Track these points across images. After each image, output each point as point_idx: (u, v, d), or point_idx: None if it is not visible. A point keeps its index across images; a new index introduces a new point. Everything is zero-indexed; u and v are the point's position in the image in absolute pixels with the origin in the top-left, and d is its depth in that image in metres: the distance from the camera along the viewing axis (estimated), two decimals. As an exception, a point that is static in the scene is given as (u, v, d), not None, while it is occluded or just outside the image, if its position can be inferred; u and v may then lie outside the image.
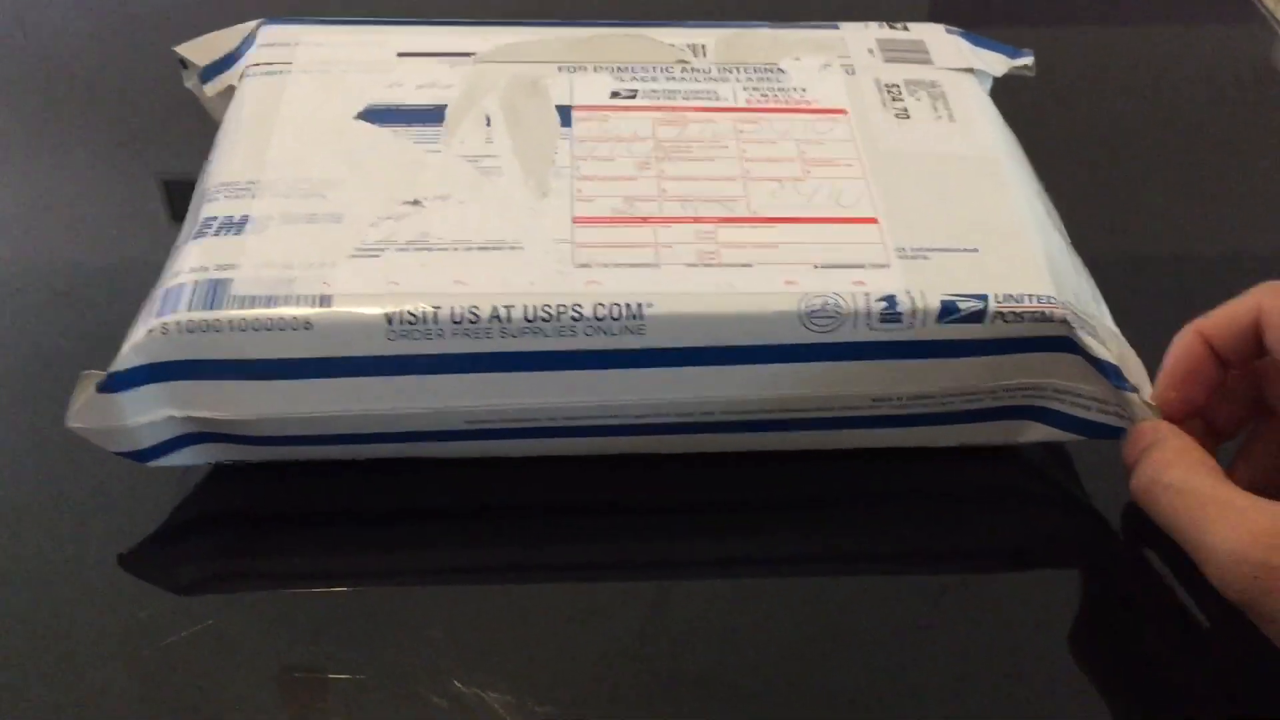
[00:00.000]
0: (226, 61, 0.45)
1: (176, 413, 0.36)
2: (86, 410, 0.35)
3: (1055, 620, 0.37)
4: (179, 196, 0.51)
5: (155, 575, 0.37)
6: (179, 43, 0.46)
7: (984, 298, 0.36)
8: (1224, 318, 0.35)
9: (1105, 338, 0.36)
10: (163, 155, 0.53)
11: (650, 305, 0.35)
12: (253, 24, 0.46)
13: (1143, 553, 0.39)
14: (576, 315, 0.35)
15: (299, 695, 0.34)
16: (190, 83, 0.46)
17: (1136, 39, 0.66)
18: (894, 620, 0.37)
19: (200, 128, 0.47)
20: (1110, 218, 0.52)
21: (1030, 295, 0.36)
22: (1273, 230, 0.52)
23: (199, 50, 0.46)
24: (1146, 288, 0.48)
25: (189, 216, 0.39)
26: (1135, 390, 0.36)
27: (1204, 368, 0.35)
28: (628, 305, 0.35)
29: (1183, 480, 0.32)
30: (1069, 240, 0.41)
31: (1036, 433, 0.39)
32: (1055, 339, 0.36)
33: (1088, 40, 0.65)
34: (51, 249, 0.49)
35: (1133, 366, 0.36)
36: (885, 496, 0.40)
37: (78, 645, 0.35)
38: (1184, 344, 0.35)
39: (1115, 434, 0.38)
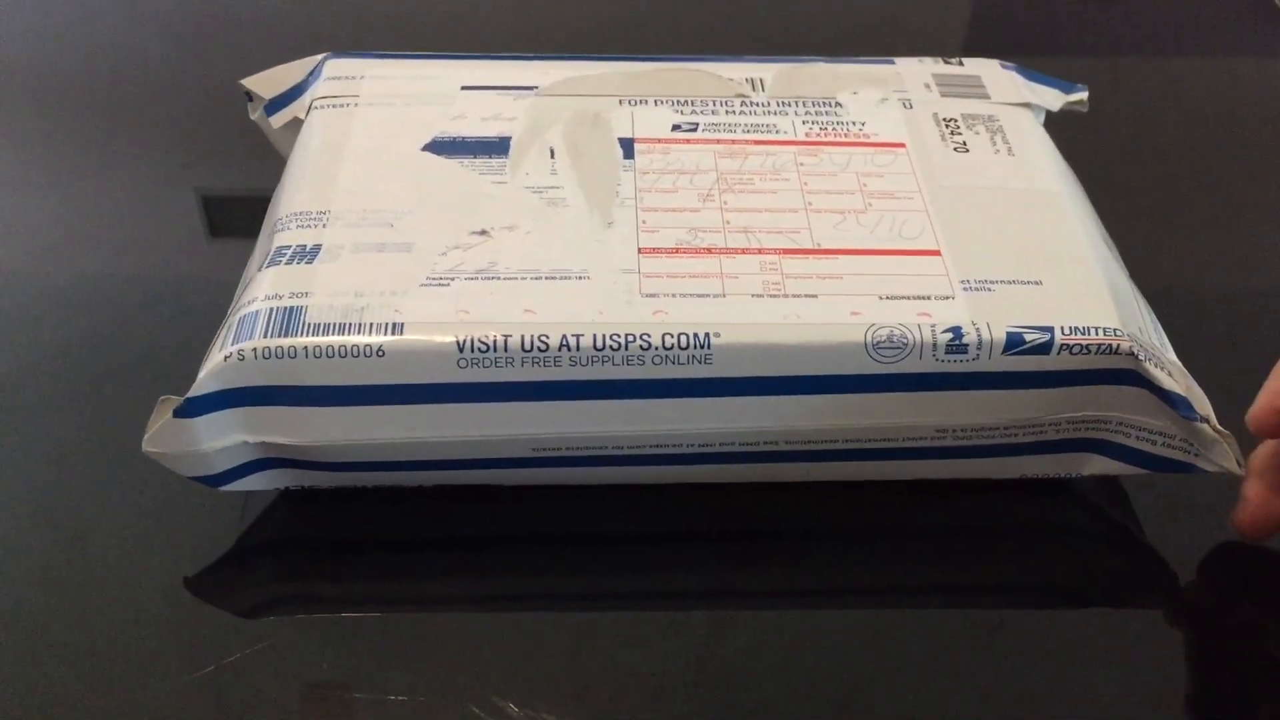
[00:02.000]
0: (292, 94, 0.46)
1: (250, 438, 0.36)
2: (163, 435, 0.35)
3: (1108, 659, 0.36)
4: (243, 218, 0.52)
5: (218, 597, 0.37)
6: (244, 70, 0.47)
7: (1049, 329, 0.36)
8: None
9: (1171, 369, 0.37)
10: (226, 177, 0.54)
11: (718, 335, 0.36)
12: (318, 58, 0.47)
13: (1199, 592, 0.38)
14: (645, 344, 0.35)
15: (354, 713, 0.35)
16: (255, 115, 0.47)
17: (1176, 70, 0.66)
18: (946, 654, 0.36)
19: (263, 152, 0.48)
20: (1158, 250, 0.52)
21: (1096, 328, 0.36)
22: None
23: (265, 83, 0.47)
24: (1198, 321, 0.48)
25: (259, 245, 0.40)
26: (1205, 421, 0.36)
27: None
28: (695, 335, 0.35)
29: None
30: (1128, 273, 0.42)
31: (1098, 465, 0.39)
32: (1121, 371, 0.36)
33: (1126, 71, 0.66)
34: (115, 268, 0.50)
35: (1199, 398, 0.36)
36: (941, 529, 0.40)
37: (140, 660, 0.35)
38: None
39: (1179, 468, 0.38)
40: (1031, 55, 0.64)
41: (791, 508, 0.40)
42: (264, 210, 0.42)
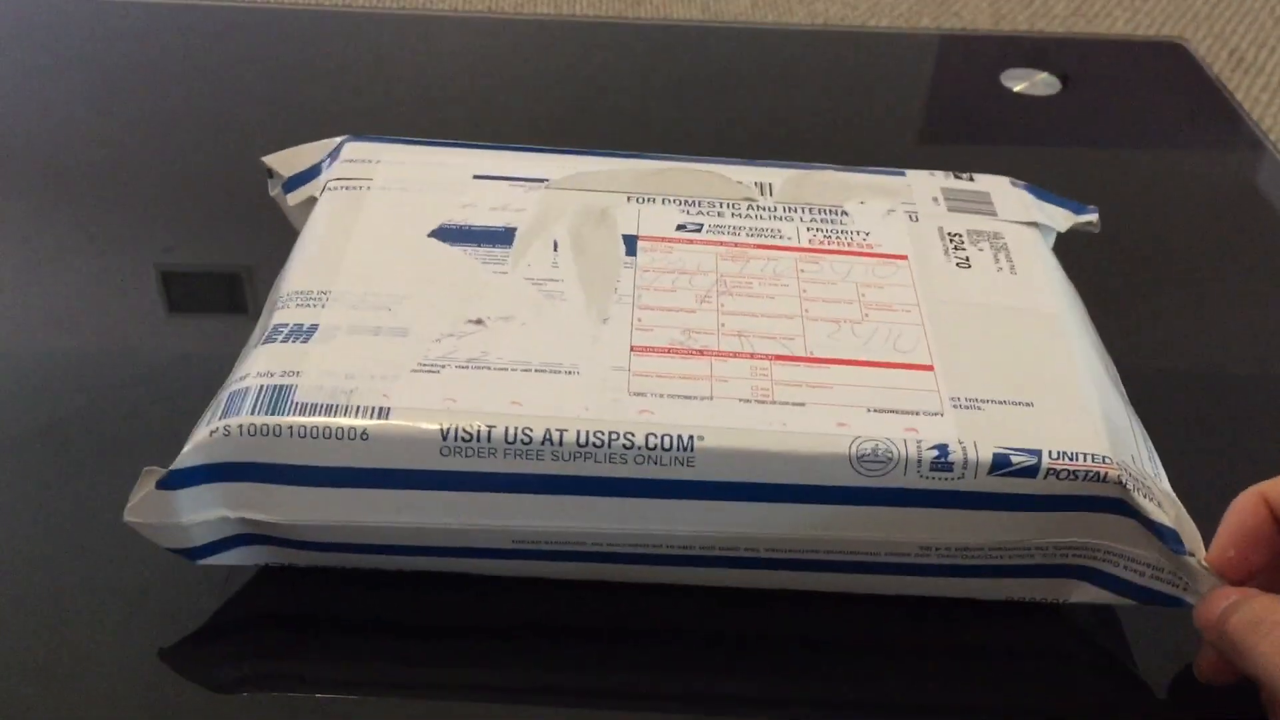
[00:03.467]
0: (310, 174, 0.47)
1: (230, 513, 0.36)
2: (144, 506, 0.35)
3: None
4: (232, 298, 0.52)
5: (193, 671, 0.37)
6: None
7: (1037, 453, 0.36)
8: None
9: (1161, 500, 0.36)
10: (209, 260, 0.55)
11: (701, 438, 0.35)
12: (337, 140, 0.48)
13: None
14: (628, 443, 0.35)
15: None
16: (274, 191, 0.48)
17: (1135, 162, 0.67)
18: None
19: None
20: (1122, 336, 0.51)
21: (1085, 454, 0.36)
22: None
23: (285, 161, 0.48)
24: (1165, 406, 0.48)
25: (260, 321, 0.41)
26: (1192, 555, 0.35)
27: (1265, 531, 0.35)
28: (679, 437, 0.35)
29: None
30: (1126, 398, 0.41)
31: (1086, 593, 0.39)
32: (1109, 500, 0.36)
33: (1087, 163, 0.67)
34: (101, 346, 0.50)
35: (1188, 531, 0.36)
36: (926, 647, 0.39)
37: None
38: (1245, 505, 0.35)
39: (1168, 602, 0.37)
40: (985, 144, 0.67)
41: (774, 616, 0.40)
42: (246, 292, 0.42)
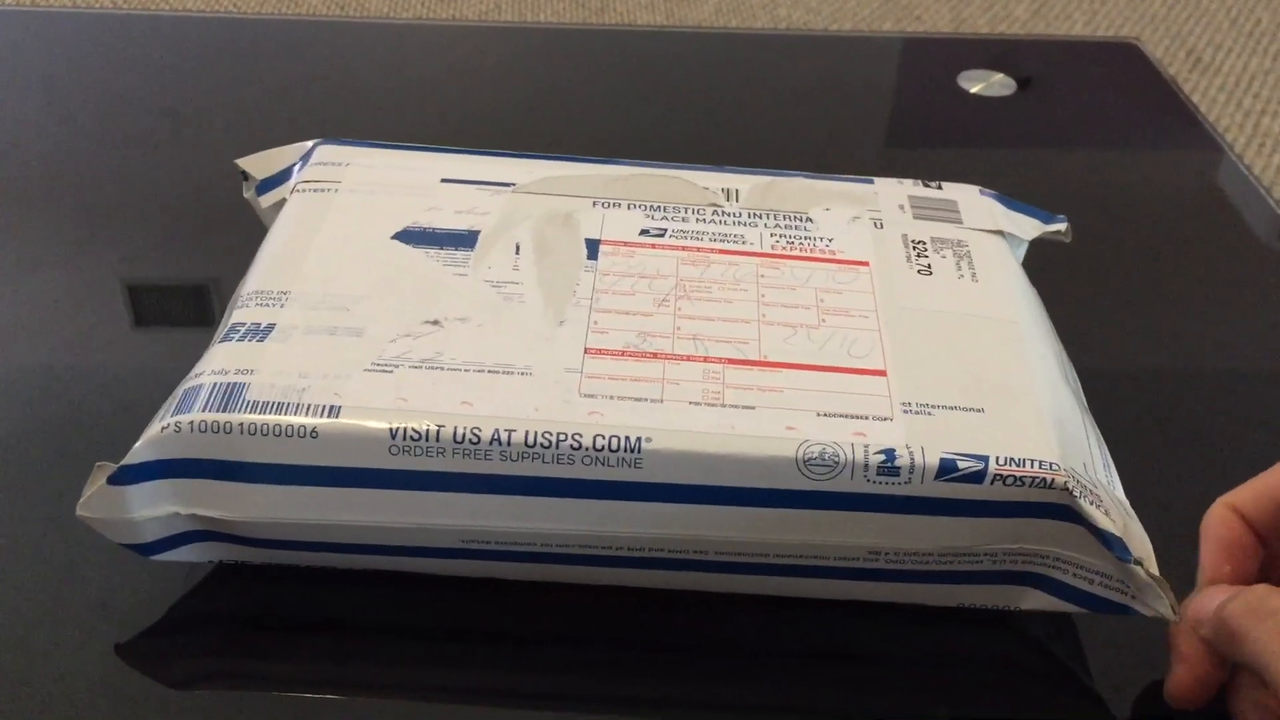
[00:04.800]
0: (283, 176, 0.48)
1: (181, 509, 0.37)
2: (96, 500, 0.36)
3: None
4: (220, 302, 0.53)
5: (149, 667, 0.38)
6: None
7: (984, 459, 0.36)
8: (1254, 492, 0.35)
9: (1110, 507, 0.36)
10: (209, 260, 0.55)
11: (649, 440, 0.36)
12: (310, 143, 0.49)
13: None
14: (576, 444, 0.35)
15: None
16: (248, 194, 0.49)
17: (1094, 163, 0.67)
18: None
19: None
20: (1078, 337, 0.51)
21: (1032, 460, 0.36)
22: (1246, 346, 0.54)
23: (258, 164, 0.48)
24: (1124, 405, 0.48)
25: (223, 320, 0.41)
26: (1139, 563, 0.35)
27: (1245, 541, 0.35)
28: (627, 438, 0.36)
29: None
30: (1085, 405, 0.41)
31: (1036, 600, 0.39)
32: (1056, 506, 0.36)
33: (1046, 163, 0.67)
34: (88, 346, 0.50)
35: (1136, 539, 0.36)
36: (876, 654, 0.39)
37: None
38: (1218, 519, 0.35)
39: (1117, 609, 0.37)
40: (942, 146, 0.67)
41: (725, 620, 0.40)
42: (214, 299, 0.43)
